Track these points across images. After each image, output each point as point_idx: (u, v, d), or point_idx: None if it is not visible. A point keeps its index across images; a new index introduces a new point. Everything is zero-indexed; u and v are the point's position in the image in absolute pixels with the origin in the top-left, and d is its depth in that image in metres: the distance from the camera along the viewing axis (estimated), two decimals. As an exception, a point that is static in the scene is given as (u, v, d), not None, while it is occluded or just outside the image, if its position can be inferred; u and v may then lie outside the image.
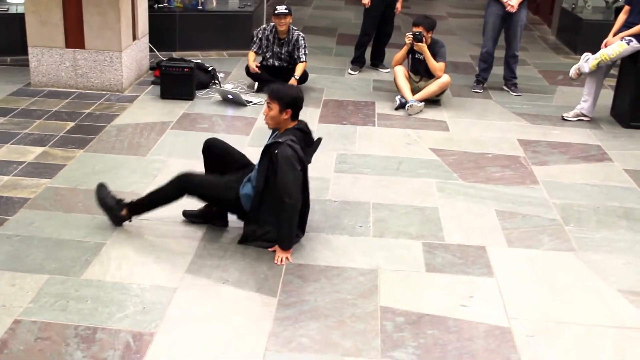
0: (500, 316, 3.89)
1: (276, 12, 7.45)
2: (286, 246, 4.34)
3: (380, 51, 8.92)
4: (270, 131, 4.65)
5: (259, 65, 7.63)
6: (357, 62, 8.79)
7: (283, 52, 7.63)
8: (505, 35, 7.96)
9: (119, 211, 4.59)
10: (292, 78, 7.40)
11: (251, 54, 7.71)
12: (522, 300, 4.06)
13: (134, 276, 4.09)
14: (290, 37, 7.56)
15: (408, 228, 4.81)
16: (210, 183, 4.59)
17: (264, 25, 7.78)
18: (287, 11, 7.45)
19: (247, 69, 7.74)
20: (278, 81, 7.47)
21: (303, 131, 4.53)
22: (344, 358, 3.49)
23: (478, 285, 4.18)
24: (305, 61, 7.57)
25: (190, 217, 4.75)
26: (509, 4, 7.62)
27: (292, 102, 4.43)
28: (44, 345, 3.45)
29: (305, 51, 7.56)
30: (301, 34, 7.63)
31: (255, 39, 7.70)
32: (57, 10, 7.24)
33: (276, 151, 4.27)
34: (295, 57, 7.57)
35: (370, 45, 8.89)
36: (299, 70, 7.50)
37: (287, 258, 4.32)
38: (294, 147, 4.31)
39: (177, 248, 4.42)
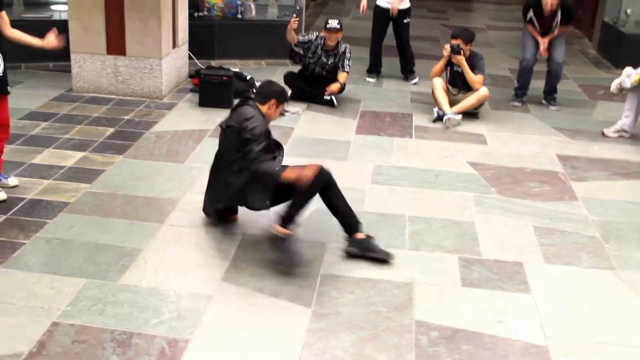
0: (537, 334, 3.84)
1: (328, 26, 7.49)
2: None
3: (405, 62, 8.93)
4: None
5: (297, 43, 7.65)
6: (371, 71, 8.87)
7: (329, 62, 7.66)
8: (548, 49, 7.88)
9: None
10: (336, 83, 7.49)
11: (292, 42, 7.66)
12: (560, 318, 4.01)
13: (170, 282, 4.12)
14: (338, 49, 7.59)
15: (444, 242, 4.78)
16: None
17: (316, 35, 7.73)
18: (338, 27, 7.51)
19: (286, 77, 7.78)
20: (313, 92, 7.57)
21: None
22: (377, 371, 3.48)
23: (514, 302, 4.13)
24: (348, 72, 7.64)
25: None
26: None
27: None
28: (81, 349, 3.49)
29: (349, 63, 7.64)
30: (349, 46, 7.67)
31: (299, 46, 7.66)
32: (99, 17, 7.36)
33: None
34: (340, 66, 7.61)
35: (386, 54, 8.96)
36: (341, 77, 7.58)
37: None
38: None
39: (214, 255, 4.45)
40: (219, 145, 4.73)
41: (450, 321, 3.90)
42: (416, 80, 8.68)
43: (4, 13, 4.99)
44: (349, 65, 7.62)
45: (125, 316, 3.76)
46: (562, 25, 7.73)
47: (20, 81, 7.84)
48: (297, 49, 7.67)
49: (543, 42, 7.74)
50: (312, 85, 7.58)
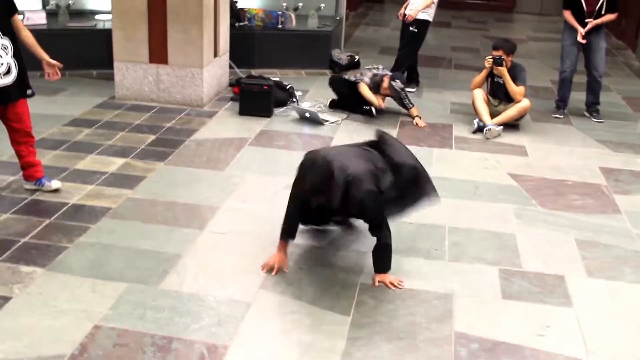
0: (579, 349, 3.78)
1: (393, 85, 7.43)
2: None
3: (413, 68, 8.94)
4: None
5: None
6: (409, 80, 8.82)
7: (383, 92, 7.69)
8: (585, 60, 7.80)
9: None
10: (417, 118, 7.48)
11: (365, 87, 7.57)
12: (602, 333, 3.94)
13: (209, 288, 4.14)
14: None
15: (484, 253, 4.73)
16: None
17: (378, 68, 7.71)
18: (398, 93, 7.48)
19: (331, 80, 7.82)
20: (354, 100, 7.58)
21: None
22: (416, 382, 3.46)
23: (556, 316, 4.07)
24: (413, 106, 7.59)
25: None
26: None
27: None
28: (122, 352, 3.52)
29: (409, 100, 7.57)
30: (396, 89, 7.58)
31: (369, 77, 7.62)
32: (142, 27, 7.46)
33: None
34: (403, 105, 7.57)
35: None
36: (414, 111, 7.55)
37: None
38: None
39: (253, 263, 4.45)
40: None
41: (490, 333, 3.85)
42: (414, 90, 8.67)
43: (16, 17, 5.08)
44: (410, 103, 7.55)
45: (165, 321, 3.79)
46: (606, 13, 7.59)
47: (63, 88, 7.98)
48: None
49: (581, 33, 7.59)
50: (355, 93, 7.58)
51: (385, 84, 7.49)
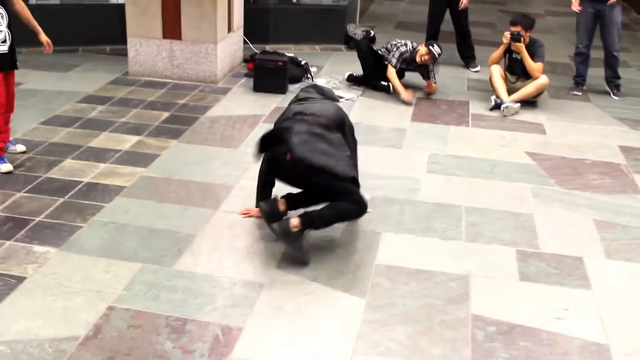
0: (597, 332, 3.73)
1: (432, 50, 7.21)
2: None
3: (465, 49, 8.76)
4: None
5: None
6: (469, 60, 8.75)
7: (413, 67, 7.55)
8: (601, 35, 7.64)
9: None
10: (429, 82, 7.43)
11: (393, 72, 7.38)
12: (621, 315, 3.88)
13: (224, 269, 4.12)
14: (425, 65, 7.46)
15: (501, 234, 4.67)
16: None
17: (405, 45, 7.47)
18: (437, 58, 7.34)
19: (359, 47, 7.73)
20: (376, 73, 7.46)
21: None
22: (432, 365, 3.42)
23: (574, 298, 4.02)
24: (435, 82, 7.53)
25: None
26: None
27: None
28: (136, 334, 3.51)
29: (435, 75, 7.50)
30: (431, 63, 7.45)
31: (397, 58, 7.40)
32: (156, 2, 7.38)
33: None
34: (426, 75, 7.49)
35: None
36: (435, 87, 7.50)
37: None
38: None
39: (268, 243, 4.42)
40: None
41: (507, 316, 3.81)
42: (478, 68, 8.49)
43: None
44: (434, 77, 7.48)
45: (179, 302, 3.77)
46: None
47: (77, 64, 7.94)
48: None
49: (574, 1, 7.44)
50: (378, 66, 7.45)
51: (424, 49, 7.27)
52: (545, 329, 3.73)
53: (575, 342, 3.63)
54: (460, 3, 8.35)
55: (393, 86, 7.34)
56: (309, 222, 4.20)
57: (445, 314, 3.81)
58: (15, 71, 5.26)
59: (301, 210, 4.33)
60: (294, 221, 4.16)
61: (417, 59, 7.32)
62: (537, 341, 3.63)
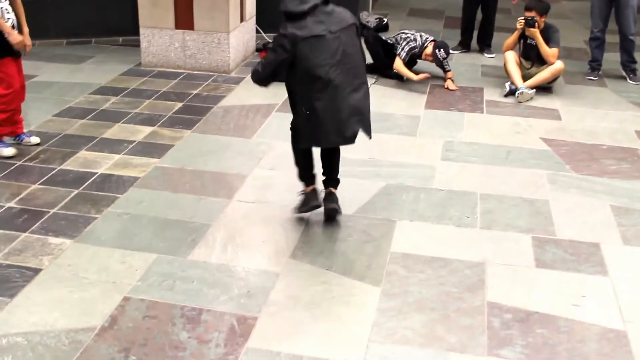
0: (615, 318, 3.69)
1: (437, 54, 7.20)
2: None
3: (485, 35, 8.69)
4: None
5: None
6: (459, 44, 8.73)
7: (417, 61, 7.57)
8: (616, 19, 7.55)
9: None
10: (449, 81, 7.35)
11: (401, 64, 7.30)
12: (639, 301, 3.84)
13: (238, 259, 4.11)
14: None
15: (517, 221, 4.64)
16: None
17: (415, 40, 7.39)
18: (441, 62, 7.30)
19: (366, 38, 7.64)
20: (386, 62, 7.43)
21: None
22: (448, 353, 3.40)
23: (591, 284, 3.99)
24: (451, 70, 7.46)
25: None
26: None
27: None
28: (152, 324, 3.52)
29: (448, 62, 7.44)
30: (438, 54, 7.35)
31: (405, 50, 7.32)
32: (168, -8, 7.38)
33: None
34: (442, 68, 7.43)
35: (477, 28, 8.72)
36: (450, 74, 7.41)
37: None
38: (280, 32, 4.17)
39: (282, 232, 4.42)
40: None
41: (523, 303, 3.78)
42: (493, 55, 8.44)
43: None
44: (449, 65, 7.42)
45: (194, 292, 3.78)
46: None
47: (90, 56, 7.95)
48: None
49: None
50: (388, 56, 7.41)
51: (429, 50, 7.27)
52: (562, 316, 3.70)
53: (592, 329, 3.60)
54: None
55: (402, 74, 7.31)
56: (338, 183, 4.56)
57: (462, 301, 3.78)
58: (30, 63, 5.27)
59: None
60: (333, 196, 4.50)
61: (422, 55, 7.35)
62: (554, 328, 3.60)
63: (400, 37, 7.43)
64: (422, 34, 7.47)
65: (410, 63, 7.46)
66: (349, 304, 3.75)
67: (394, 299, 3.79)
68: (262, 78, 4.35)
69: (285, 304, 3.72)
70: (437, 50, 7.23)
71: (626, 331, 3.59)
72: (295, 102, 4.38)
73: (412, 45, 7.31)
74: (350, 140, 4.30)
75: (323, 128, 4.19)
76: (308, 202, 4.50)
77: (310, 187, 4.53)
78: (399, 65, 7.27)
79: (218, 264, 4.05)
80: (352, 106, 4.23)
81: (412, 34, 7.41)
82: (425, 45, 7.33)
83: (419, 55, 7.39)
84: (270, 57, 4.23)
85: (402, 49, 7.30)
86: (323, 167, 4.60)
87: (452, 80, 7.33)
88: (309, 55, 4.08)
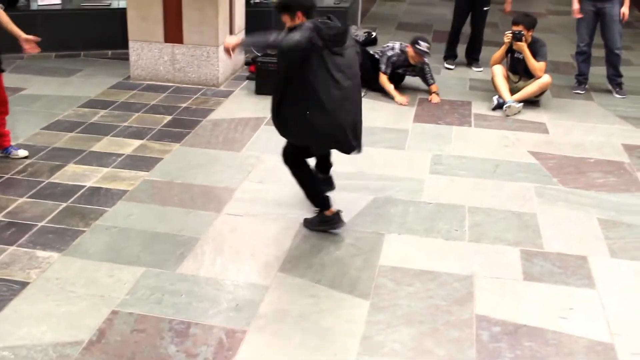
0: (603, 331, 3.71)
1: (419, 48, 7.19)
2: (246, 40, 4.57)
3: (474, 49, 8.76)
4: None
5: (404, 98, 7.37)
6: (449, 57, 8.78)
7: (410, 71, 7.56)
8: (602, 33, 7.62)
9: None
10: (434, 95, 7.37)
11: (385, 79, 7.36)
12: (627, 315, 3.86)
13: (227, 272, 4.11)
14: (419, 65, 7.43)
15: (505, 234, 4.66)
16: None
17: (393, 48, 7.43)
18: (428, 53, 7.28)
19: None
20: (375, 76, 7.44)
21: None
22: (437, 366, 3.41)
23: (579, 297, 4.01)
24: (435, 83, 7.48)
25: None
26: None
27: (293, 4, 4.37)
28: (140, 338, 3.50)
29: (432, 75, 7.47)
30: (426, 61, 7.39)
31: (385, 63, 7.37)
32: (157, 6, 7.39)
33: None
34: (425, 80, 7.48)
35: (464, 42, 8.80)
36: (434, 88, 7.43)
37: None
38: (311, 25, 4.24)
39: (271, 245, 4.42)
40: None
41: (512, 316, 3.79)
42: (481, 69, 8.49)
43: None
44: (432, 78, 7.45)
45: (183, 306, 3.76)
46: None
47: (79, 69, 7.95)
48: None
49: (574, 8, 7.56)
50: (376, 69, 7.42)
51: (411, 51, 7.26)
52: (551, 328, 3.71)
53: (580, 342, 3.62)
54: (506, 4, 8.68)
55: (387, 92, 7.32)
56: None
57: (450, 314, 3.79)
58: (18, 76, 5.26)
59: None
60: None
61: (410, 61, 7.35)
62: (542, 341, 3.61)
63: (381, 51, 7.47)
64: (400, 42, 7.51)
65: (397, 77, 7.48)
66: (338, 317, 3.75)
67: (383, 312, 3.79)
68: (304, 44, 4.20)
69: (274, 318, 3.72)
70: (416, 45, 7.22)
71: (614, 344, 3.61)
72: (296, 98, 4.37)
73: (390, 55, 7.34)
74: (348, 150, 4.40)
75: (338, 116, 4.24)
76: (332, 223, 4.57)
77: (334, 210, 4.56)
78: (383, 81, 7.31)
79: (207, 278, 4.04)
80: (355, 120, 4.37)
81: (389, 45, 7.46)
82: (405, 50, 7.35)
83: (403, 63, 7.41)
84: (306, 33, 4.20)
85: (384, 63, 7.35)
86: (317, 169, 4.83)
87: (437, 94, 7.35)
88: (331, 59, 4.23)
